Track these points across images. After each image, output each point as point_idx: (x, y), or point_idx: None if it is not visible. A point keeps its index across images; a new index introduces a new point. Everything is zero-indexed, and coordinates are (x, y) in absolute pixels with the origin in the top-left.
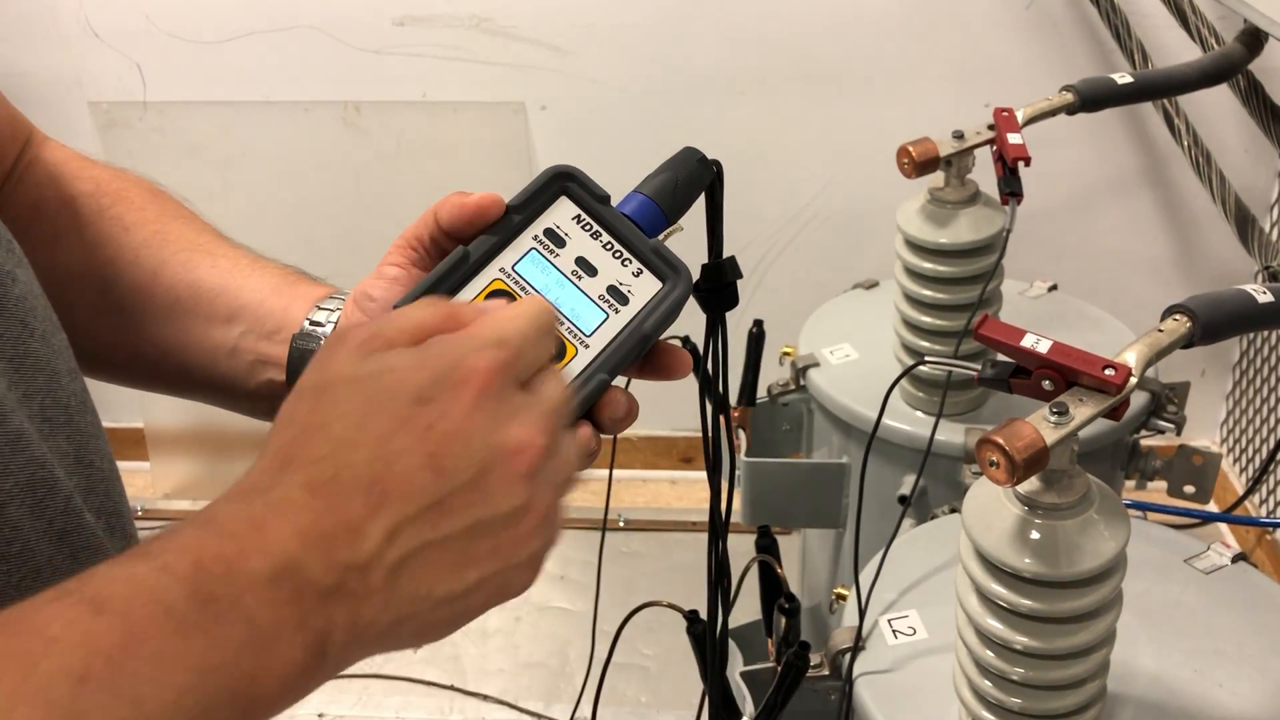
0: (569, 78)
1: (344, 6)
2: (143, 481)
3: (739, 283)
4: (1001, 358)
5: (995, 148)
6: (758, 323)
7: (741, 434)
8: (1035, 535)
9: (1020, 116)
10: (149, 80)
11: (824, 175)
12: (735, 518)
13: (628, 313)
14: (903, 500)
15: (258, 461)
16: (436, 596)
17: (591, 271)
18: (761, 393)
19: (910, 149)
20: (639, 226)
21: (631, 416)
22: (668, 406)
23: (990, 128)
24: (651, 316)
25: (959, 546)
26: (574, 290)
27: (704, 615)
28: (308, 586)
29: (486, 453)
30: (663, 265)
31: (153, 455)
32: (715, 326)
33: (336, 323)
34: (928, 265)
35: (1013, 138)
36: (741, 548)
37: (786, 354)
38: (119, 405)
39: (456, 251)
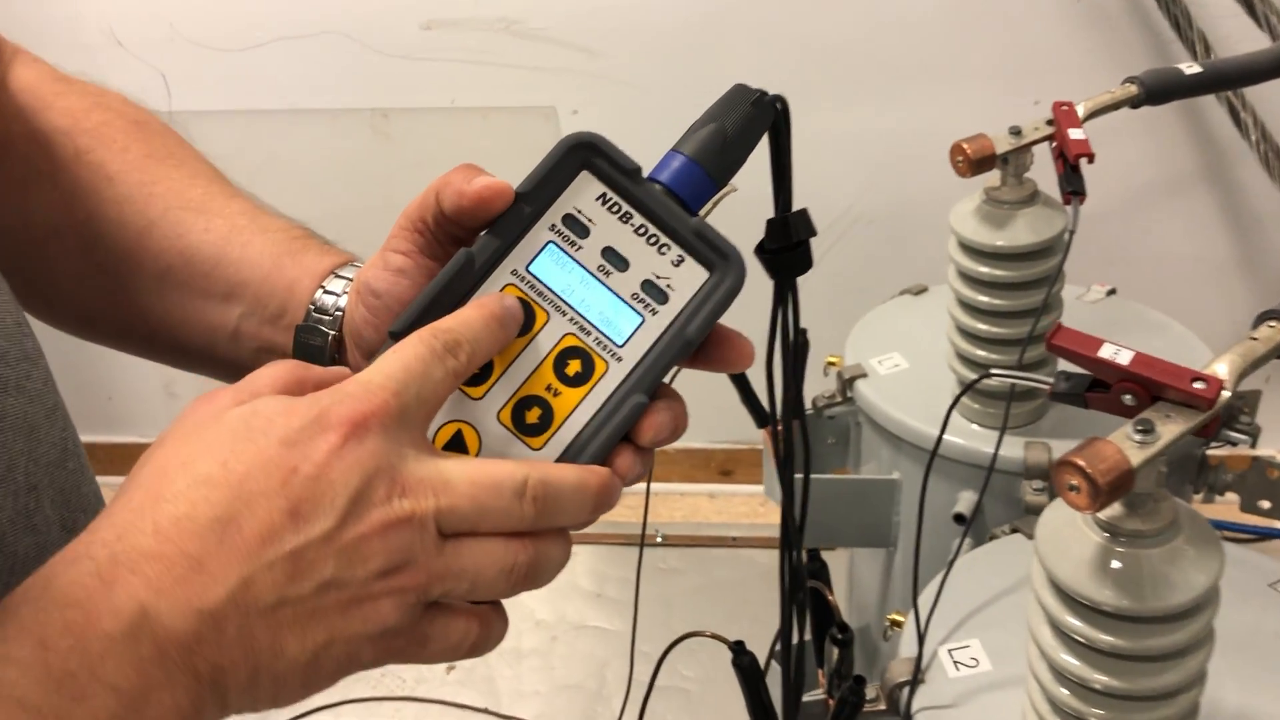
0: (601, 81)
1: (369, 11)
2: None
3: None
4: (1075, 369)
5: (1055, 144)
6: (801, 331)
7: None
8: (1117, 565)
9: (1081, 111)
10: (173, 90)
11: (865, 177)
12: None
13: (667, 313)
14: (959, 519)
15: (107, 510)
16: (289, 654)
17: (622, 265)
18: (806, 405)
19: (965, 146)
20: (680, 200)
21: (679, 431)
22: (706, 417)
23: (1049, 123)
24: (696, 317)
25: (1030, 574)
26: (602, 290)
27: (750, 646)
28: (168, 639)
29: (349, 504)
30: (708, 250)
31: None
32: (784, 294)
33: (344, 312)
34: (984, 269)
35: (1074, 133)
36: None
37: (832, 364)
38: (124, 419)
39: (459, 256)
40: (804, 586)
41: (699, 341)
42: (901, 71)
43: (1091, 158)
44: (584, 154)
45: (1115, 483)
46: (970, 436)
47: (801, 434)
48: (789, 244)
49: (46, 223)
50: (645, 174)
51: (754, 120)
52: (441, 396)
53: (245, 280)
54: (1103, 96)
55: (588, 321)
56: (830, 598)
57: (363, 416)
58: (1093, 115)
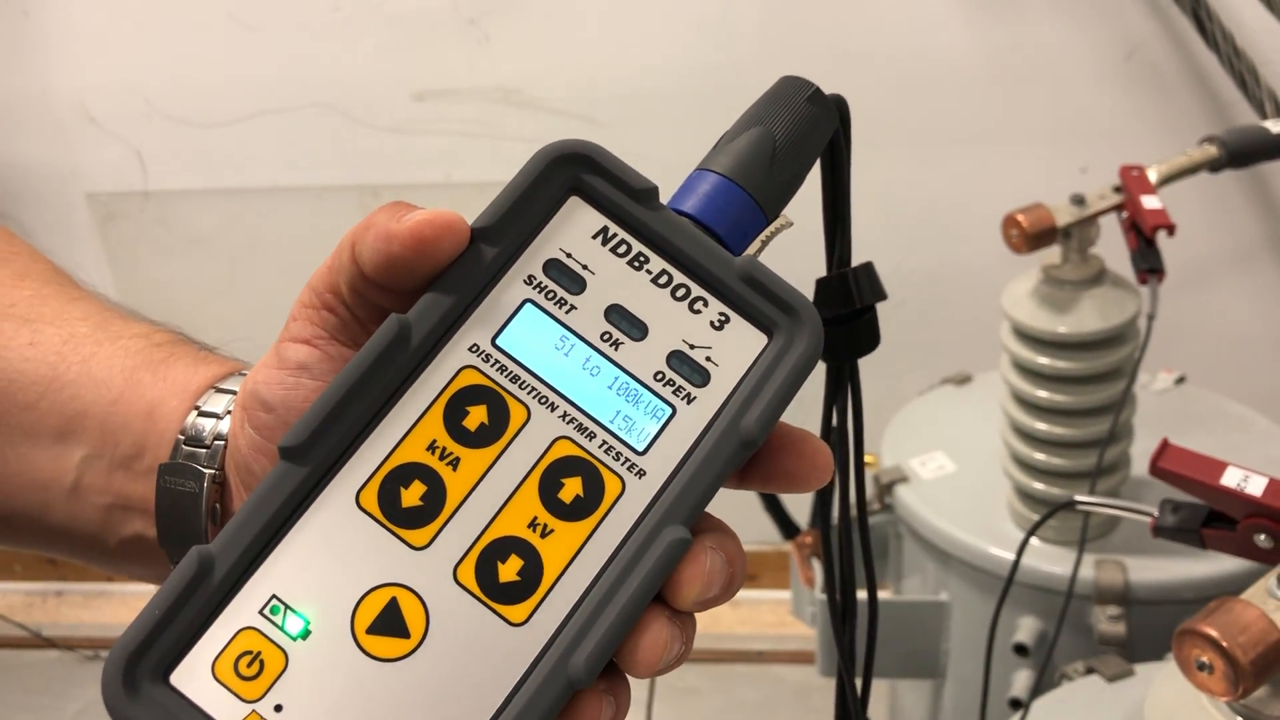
0: None
1: (358, 82)
2: None
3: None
4: (1187, 497)
5: (1126, 214)
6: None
7: (815, 564)
8: None
9: (1153, 176)
10: (150, 168)
11: (897, 254)
12: (811, 668)
13: (710, 400)
14: (1020, 650)
15: None
16: None
17: (638, 331)
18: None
19: (1020, 219)
20: (715, 236)
21: (736, 582)
22: (724, 515)
23: (1116, 190)
24: (755, 404)
25: None
26: (609, 371)
27: None
28: None
29: None
30: (765, 304)
31: None
32: (843, 381)
33: (225, 445)
34: (1044, 360)
35: (1148, 201)
36: (819, 702)
37: (868, 466)
38: None
39: (387, 326)
40: None
41: (761, 440)
42: (937, 138)
43: (1172, 229)
44: (572, 171)
45: (1261, 661)
46: (1029, 552)
47: (860, 512)
48: (850, 311)
49: None
50: (665, 201)
51: (814, 124)
52: None
53: (86, 409)
54: (1178, 160)
55: (590, 418)
56: None
57: None
58: (1167, 181)
